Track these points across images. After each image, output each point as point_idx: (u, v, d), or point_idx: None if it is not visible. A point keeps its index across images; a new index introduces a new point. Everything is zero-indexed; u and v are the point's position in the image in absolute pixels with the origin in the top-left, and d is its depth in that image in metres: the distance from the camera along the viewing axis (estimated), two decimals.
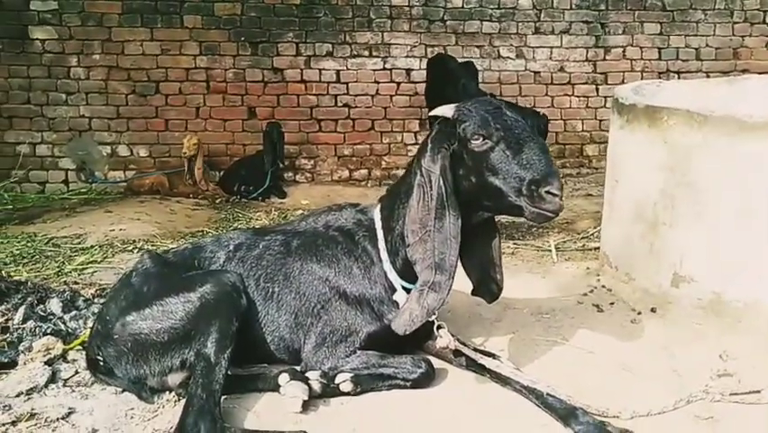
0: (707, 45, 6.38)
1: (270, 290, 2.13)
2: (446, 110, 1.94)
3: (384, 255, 2.09)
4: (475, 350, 2.11)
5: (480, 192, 1.89)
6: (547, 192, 1.76)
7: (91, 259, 3.56)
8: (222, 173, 5.92)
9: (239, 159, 5.93)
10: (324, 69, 6.08)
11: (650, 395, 1.95)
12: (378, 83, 6.14)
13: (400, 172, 6.08)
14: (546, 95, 6.27)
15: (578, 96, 6.34)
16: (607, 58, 6.34)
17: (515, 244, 3.74)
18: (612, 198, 2.90)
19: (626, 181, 2.77)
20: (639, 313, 2.58)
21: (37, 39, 5.79)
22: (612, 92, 3.09)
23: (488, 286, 2.17)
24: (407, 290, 2.04)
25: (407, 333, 1.92)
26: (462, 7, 6.14)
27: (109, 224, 4.31)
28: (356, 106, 6.14)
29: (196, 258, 2.22)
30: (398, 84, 6.17)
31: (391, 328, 1.97)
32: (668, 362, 2.20)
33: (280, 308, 2.11)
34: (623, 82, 5.89)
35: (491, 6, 6.16)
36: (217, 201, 5.47)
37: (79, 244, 3.88)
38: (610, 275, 2.89)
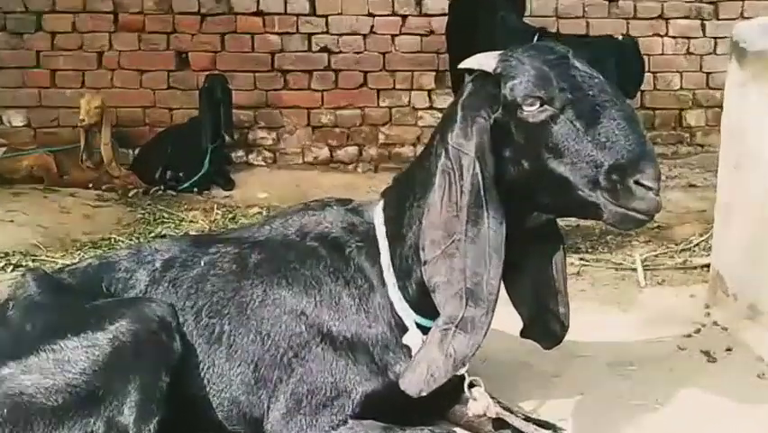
0: None
1: (218, 328, 2.13)
2: (485, 60, 1.95)
3: (389, 277, 2.10)
4: (526, 419, 2.12)
5: (536, 183, 1.91)
6: (637, 183, 1.77)
7: None
8: (138, 152, 5.93)
9: (163, 130, 5.97)
10: None
11: None
12: (372, 16, 6.18)
13: (408, 151, 6.16)
14: (627, 35, 6.29)
15: (674, 38, 6.39)
16: None
17: (581, 259, 3.77)
18: (729, 192, 2.92)
19: (752, 166, 2.79)
20: None
21: None
22: (727, 32, 3.10)
23: (546, 324, 2.19)
24: (424, 330, 2.05)
25: (424, 394, 1.93)
26: None
27: None
28: (340, 51, 6.17)
29: (104, 280, 2.23)
30: (404, 17, 6.20)
31: (400, 387, 1.98)
32: None
33: (232, 356, 2.12)
34: (742, 17, 5.91)
35: None
36: (131, 194, 5.48)
37: None
38: (726, 307, 2.92)
